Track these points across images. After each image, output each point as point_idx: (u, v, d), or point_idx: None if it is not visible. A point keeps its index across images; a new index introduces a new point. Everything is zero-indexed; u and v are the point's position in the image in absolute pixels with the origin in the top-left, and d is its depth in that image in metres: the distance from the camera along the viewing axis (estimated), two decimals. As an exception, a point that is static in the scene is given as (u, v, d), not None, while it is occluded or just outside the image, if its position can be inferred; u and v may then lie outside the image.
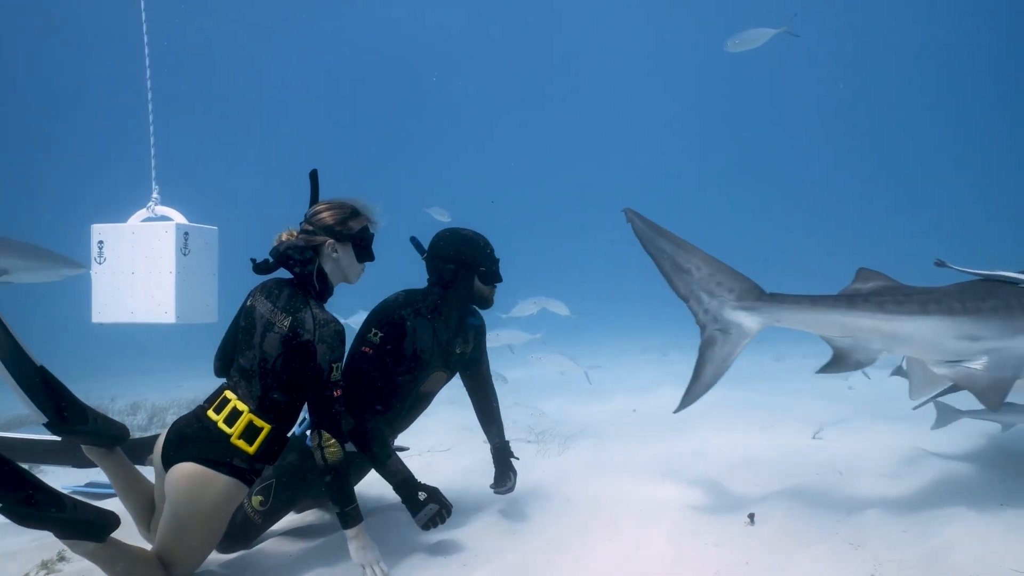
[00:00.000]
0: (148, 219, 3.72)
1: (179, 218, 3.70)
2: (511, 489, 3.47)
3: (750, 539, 3.00)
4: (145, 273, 3.47)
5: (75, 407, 2.72)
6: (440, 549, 2.96)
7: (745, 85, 35.00)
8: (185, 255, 3.47)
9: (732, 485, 3.83)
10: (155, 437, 3.12)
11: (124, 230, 3.57)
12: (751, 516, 3.21)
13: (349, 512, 2.60)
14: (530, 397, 7.14)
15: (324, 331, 2.59)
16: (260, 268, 2.73)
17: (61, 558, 2.83)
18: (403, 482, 2.92)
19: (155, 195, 3.78)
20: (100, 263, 3.62)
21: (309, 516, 3.46)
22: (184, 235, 3.46)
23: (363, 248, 2.83)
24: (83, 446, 2.78)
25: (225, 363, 2.88)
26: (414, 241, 3.44)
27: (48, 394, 2.63)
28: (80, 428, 2.67)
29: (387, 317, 3.19)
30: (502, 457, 3.58)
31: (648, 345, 13.81)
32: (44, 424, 2.60)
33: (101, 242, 3.61)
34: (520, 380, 8.40)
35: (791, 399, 7.05)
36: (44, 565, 2.81)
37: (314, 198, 2.86)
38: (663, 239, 3.46)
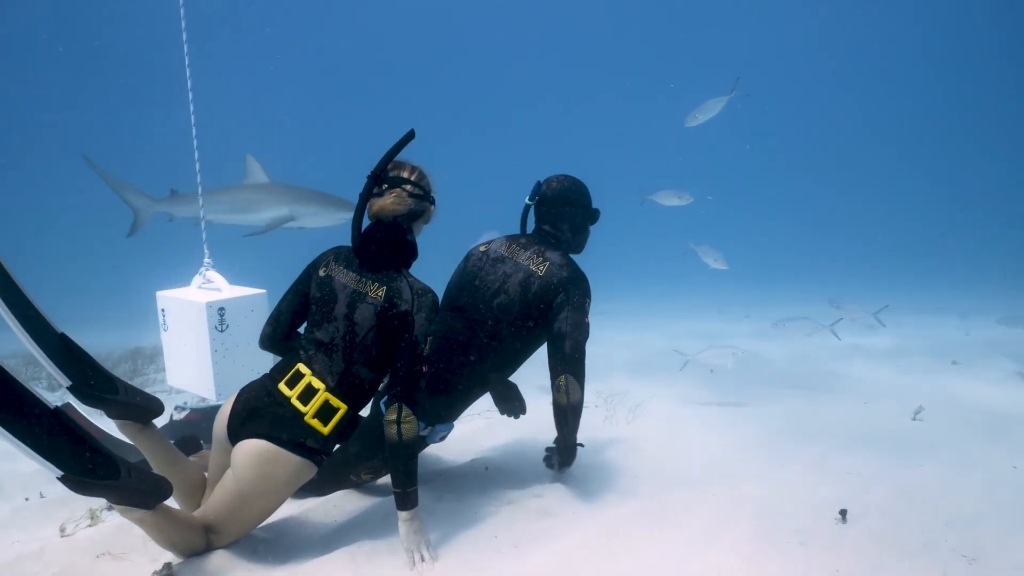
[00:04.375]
0: (201, 286, 3.72)
1: (223, 285, 3.65)
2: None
3: (841, 540, 2.65)
4: (191, 346, 3.51)
5: (102, 376, 2.59)
6: (492, 527, 2.75)
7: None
8: (221, 331, 3.44)
9: (822, 472, 3.45)
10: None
11: (175, 301, 3.59)
12: (843, 513, 2.84)
13: (411, 493, 2.42)
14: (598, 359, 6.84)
15: (422, 301, 2.44)
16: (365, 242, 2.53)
17: (110, 507, 2.78)
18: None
19: (207, 259, 3.79)
20: (165, 331, 3.71)
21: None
22: (219, 312, 3.42)
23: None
24: (116, 421, 2.63)
25: (280, 335, 2.70)
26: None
27: (71, 360, 2.53)
28: (110, 397, 2.52)
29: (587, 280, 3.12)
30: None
31: (726, 303, 13.18)
32: (68, 388, 2.48)
33: (163, 310, 3.67)
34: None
35: (885, 372, 6.49)
36: (91, 514, 2.77)
37: (389, 159, 2.53)
38: None
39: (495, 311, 3.05)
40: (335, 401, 2.43)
